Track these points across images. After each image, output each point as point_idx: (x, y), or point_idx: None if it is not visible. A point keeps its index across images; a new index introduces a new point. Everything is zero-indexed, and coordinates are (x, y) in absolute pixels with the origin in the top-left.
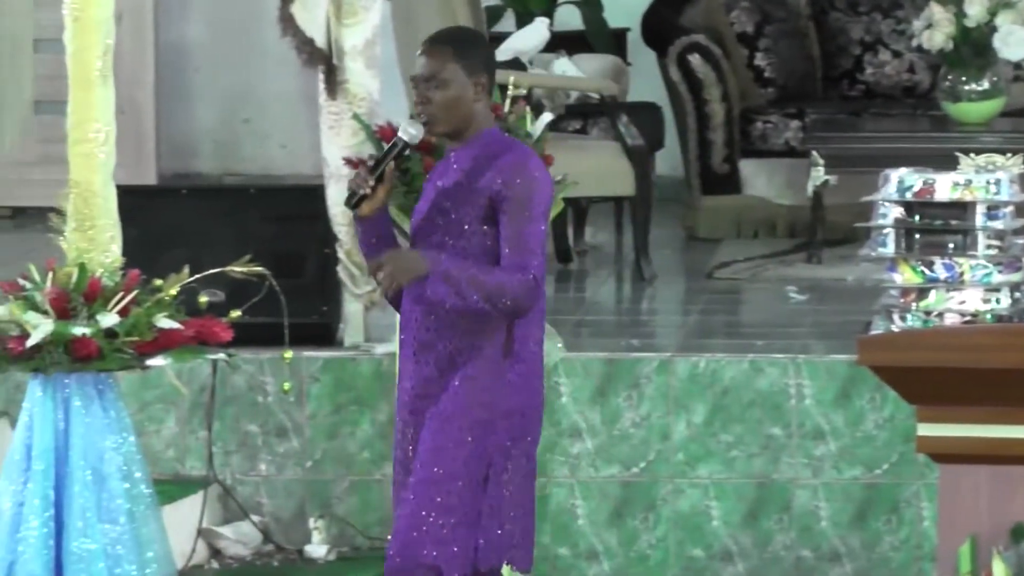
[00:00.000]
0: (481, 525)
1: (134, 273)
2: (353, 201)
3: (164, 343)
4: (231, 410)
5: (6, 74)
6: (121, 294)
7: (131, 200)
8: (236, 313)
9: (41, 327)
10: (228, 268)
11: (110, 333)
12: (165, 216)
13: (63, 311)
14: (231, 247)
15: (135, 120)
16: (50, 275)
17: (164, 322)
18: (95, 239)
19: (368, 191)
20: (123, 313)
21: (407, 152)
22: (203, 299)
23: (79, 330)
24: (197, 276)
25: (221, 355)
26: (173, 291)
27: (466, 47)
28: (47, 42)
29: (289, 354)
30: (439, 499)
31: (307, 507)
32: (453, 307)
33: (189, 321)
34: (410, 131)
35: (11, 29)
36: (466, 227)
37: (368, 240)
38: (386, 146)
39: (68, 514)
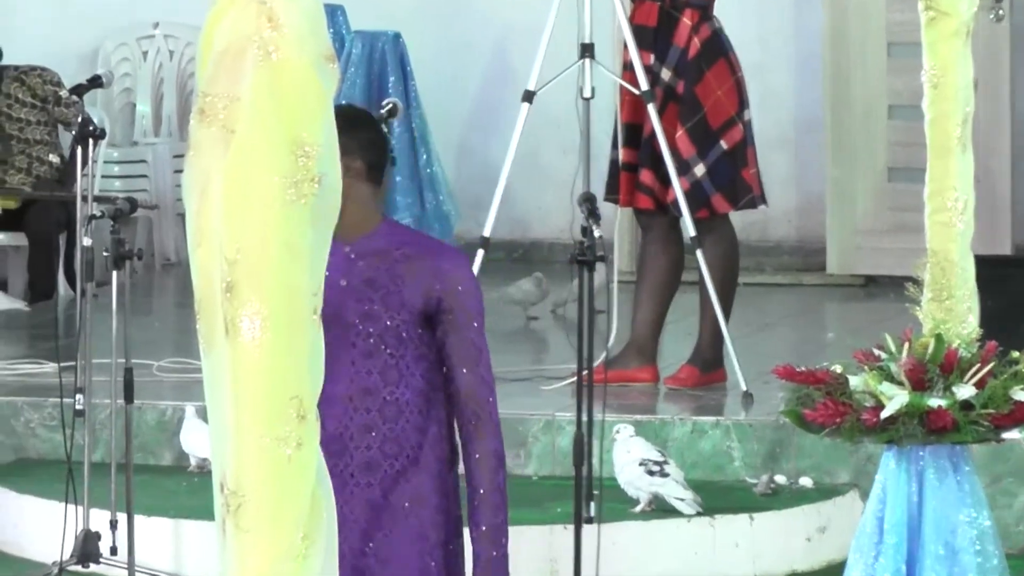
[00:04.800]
0: None
1: (991, 344)
2: None
3: (1020, 416)
4: None
5: (860, 141)
6: (978, 366)
7: (987, 270)
8: None
9: (896, 398)
10: None
11: (966, 405)
12: (1021, 287)
13: (919, 382)
14: None
15: (990, 189)
16: (906, 345)
17: (1020, 395)
18: (952, 309)
19: None
20: (979, 385)
21: None
22: None
23: (935, 402)
24: None
25: None
26: None
27: (344, 126)
28: (901, 108)
29: None
30: None
31: None
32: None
33: None
34: None
35: (864, 96)
36: (404, 334)
37: None
38: None
39: None
